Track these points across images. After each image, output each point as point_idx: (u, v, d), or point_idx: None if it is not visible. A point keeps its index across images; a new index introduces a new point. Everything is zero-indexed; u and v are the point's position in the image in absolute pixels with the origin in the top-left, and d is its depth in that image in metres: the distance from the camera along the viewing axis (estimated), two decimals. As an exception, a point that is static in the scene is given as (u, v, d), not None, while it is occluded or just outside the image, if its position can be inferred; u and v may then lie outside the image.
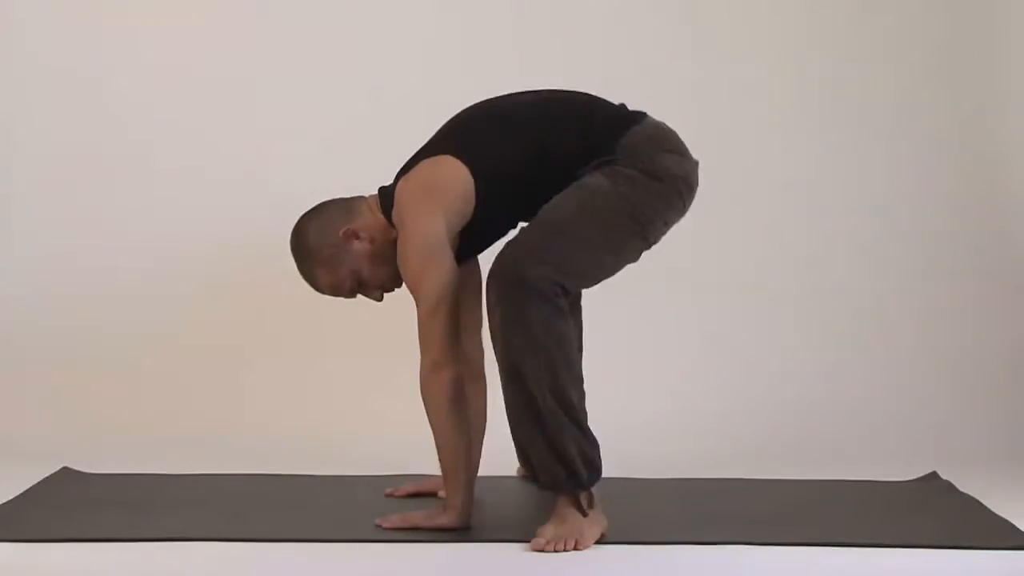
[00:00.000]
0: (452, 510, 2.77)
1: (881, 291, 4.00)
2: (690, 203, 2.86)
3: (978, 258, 4.00)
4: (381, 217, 2.92)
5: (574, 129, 2.84)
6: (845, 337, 3.95)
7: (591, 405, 2.80)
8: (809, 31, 4.05)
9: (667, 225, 2.84)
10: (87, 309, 3.90)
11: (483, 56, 3.93)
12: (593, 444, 2.70)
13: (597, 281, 2.82)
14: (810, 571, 2.51)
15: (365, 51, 3.98)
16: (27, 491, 3.05)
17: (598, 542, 2.66)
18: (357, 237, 2.90)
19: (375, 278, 2.94)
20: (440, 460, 2.80)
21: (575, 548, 2.62)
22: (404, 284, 2.84)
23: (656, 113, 2.90)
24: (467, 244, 2.90)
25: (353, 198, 2.97)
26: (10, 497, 2.98)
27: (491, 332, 2.71)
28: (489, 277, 2.71)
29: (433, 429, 2.78)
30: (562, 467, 2.66)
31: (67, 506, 2.94)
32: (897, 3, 4.05)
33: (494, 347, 2.71)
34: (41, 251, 3.96)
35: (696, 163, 2.87)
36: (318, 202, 2.97)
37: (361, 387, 3.79)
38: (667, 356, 3.82)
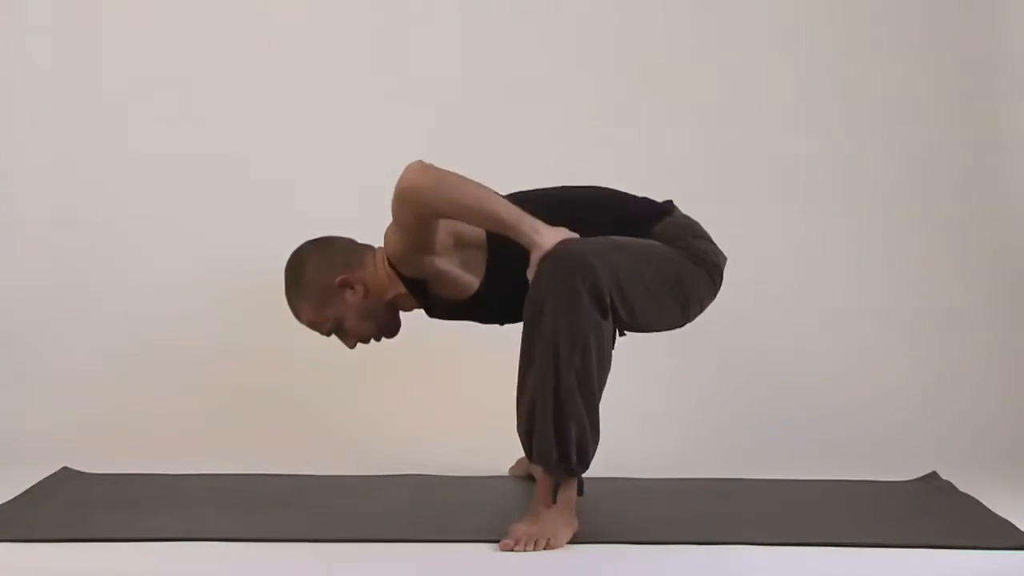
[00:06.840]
0: (535, 239, 2.63)
1: (881, 291, 4.00)
2: (718, 292, 2.91)
3: (978, 258, 4.00)
4: (384, 272, 2.90)
5: (608, 217, 2.85)
6: (845, 337, 3.95)
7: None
8: (809, 27, 4.06)
9: (702, 306, 2.90)
10: (87, 309, 3.90)
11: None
12: (595, 439, 2.67)
13: (633, 317, 2.74)
14: (810, 571, 2.51)
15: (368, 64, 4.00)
16: (27, 491, 3.05)
17: (582, 541, 2.64)
18: (351, 288, 2.90)
19: (356, 330, 2.95)
20: (488, 216, 2.66)
21: (547, 547, 2.58)
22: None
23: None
24: (475, 309, 2.90)
25: (363, 245, 2.94)
26: (10, 497, 2.98)
27: (533, 299, 2.60)
28: (548, 253, 2.61)
29: (459, 203, 2.65)
30: (557, 448, 2.63)
31: (67, 506, 2.94)
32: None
33: (528, 311, 2.62)
34: (42, 252, 3.96)
35: (725, 258, 2.92)
36: (327, 235, 2.96)
37: (361, 387, 3.79)
38: (666, 355, 3.82)
